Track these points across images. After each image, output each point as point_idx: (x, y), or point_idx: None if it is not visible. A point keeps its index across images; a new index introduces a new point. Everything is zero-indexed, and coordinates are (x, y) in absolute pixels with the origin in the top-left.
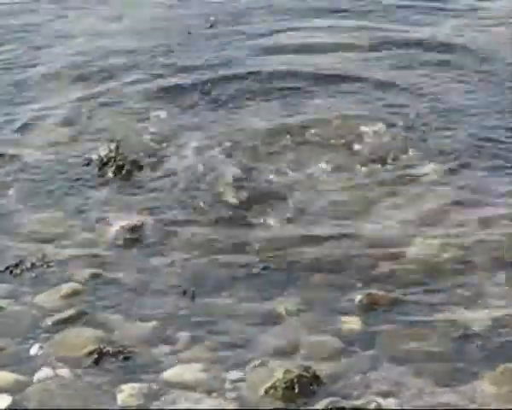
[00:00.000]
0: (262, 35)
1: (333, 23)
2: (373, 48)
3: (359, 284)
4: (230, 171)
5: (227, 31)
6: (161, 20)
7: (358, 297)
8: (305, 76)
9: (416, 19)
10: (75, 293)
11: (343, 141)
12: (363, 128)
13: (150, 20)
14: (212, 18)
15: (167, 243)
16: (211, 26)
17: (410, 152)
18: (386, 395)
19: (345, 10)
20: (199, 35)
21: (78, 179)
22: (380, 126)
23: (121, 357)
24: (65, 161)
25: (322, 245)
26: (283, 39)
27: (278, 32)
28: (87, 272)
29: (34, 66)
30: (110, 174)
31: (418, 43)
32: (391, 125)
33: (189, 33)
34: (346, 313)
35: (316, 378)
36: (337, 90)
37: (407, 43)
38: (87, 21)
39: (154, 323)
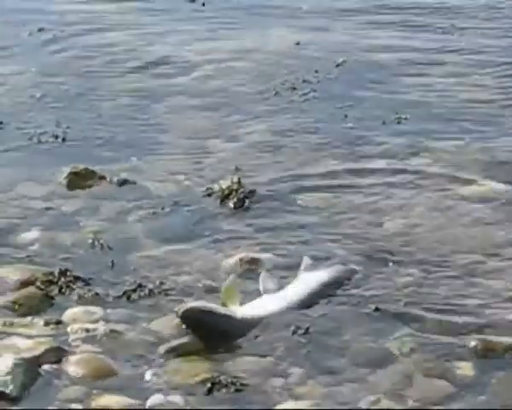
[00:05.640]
0: None
1: None
2: None
3: (474, 329)
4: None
5: None
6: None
7: (473, 343)
8: None
9: None
10: None
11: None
12: None
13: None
14: None
15: (284, 278)
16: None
17: None
18: None
19: None
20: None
21: (198, 210)
22: None
23: (233, 388)
24: (186, 190)
25: (436, 287)
26: None
27: None
28: None
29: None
30: (231, 206)
31: None
32: None
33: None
34: (459, 358)
35: None
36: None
37: None
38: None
39: (267, 357)
